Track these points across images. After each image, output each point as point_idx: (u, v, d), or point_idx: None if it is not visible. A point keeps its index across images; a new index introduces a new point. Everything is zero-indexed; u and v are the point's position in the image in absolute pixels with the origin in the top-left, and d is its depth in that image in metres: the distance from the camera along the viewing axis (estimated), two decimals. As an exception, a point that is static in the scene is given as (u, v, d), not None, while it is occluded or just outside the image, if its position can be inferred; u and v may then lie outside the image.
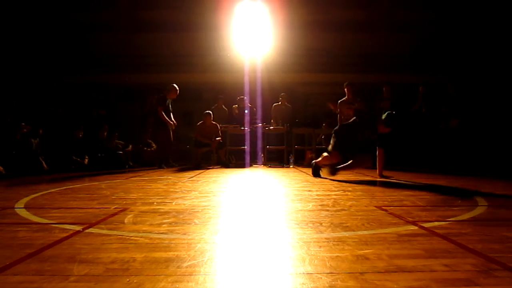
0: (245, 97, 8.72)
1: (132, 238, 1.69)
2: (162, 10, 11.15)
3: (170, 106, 7.17)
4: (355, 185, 3.93)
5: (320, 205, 2.60)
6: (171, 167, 7.08)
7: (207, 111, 7.73)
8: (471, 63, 9.94)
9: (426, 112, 7.62)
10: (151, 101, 8.62)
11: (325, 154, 4.89)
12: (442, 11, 10.75)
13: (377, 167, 5.03)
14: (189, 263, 1.33)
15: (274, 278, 1.20)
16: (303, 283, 1.14)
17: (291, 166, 7.42)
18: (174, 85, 7.20)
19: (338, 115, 7.60)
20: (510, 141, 6.98)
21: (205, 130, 7.53)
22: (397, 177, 4.79)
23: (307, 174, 5.49)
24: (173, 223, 2.00)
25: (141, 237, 1.71)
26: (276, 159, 8.37)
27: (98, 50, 10.65)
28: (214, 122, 7.68)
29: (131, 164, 7.38)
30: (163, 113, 6.94)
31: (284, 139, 7.97)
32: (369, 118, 4.74)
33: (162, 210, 2.41)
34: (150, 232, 1.80)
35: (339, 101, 7.61)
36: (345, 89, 7.58)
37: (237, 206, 2.73)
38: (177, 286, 1.12)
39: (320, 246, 1.54)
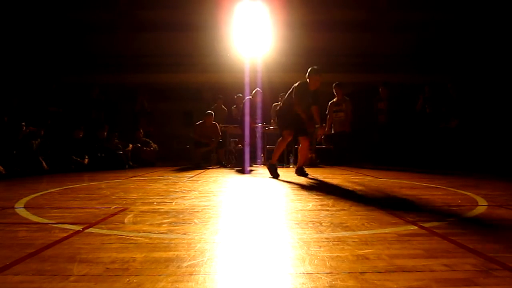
0: (242, 95, 8.72)
1: (132, 238, 1.69)
2: (162, 10, 11.15)
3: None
4: (355, 185, 3.93)
5: (320, 205, 2.60)
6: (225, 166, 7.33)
7: (209, 111, 7.74)
8: (471, 63, 9.93)
9: (429, 112, 7.62)
10: (142, 101, 8.66)
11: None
12: (442, 11, 10.75)
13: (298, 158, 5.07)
14: (189, 263, 1.33)
15: (274, 278, 1.20)
16: (303, 283, 1.14)
17: (291, 166, 7.41)
18: (258, 89, 7.49)
19: (328, 117, 7.59)
20: (510, 141, 6.97)
21: (204, 130, 7.53)
22: (397, 177, 4.79)
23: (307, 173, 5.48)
24: (173, 223, 2.00)
25: (141, 237, 1.71)
26: None
27: (98, 50, 10.65)
28: (214, 122, 7.69)
29: (131, 164, 7.38)
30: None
31: (284, 139, 7.95)
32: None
33: (162, 210, 2.40)
34: (150, 232, 1.80)
35: (329, 103, 7.60)
36: (334, 90, 7.57)
37: (237, 206, 2.73)
38: (177, 286, 1.12)
39: (320, 246, 1.54)
